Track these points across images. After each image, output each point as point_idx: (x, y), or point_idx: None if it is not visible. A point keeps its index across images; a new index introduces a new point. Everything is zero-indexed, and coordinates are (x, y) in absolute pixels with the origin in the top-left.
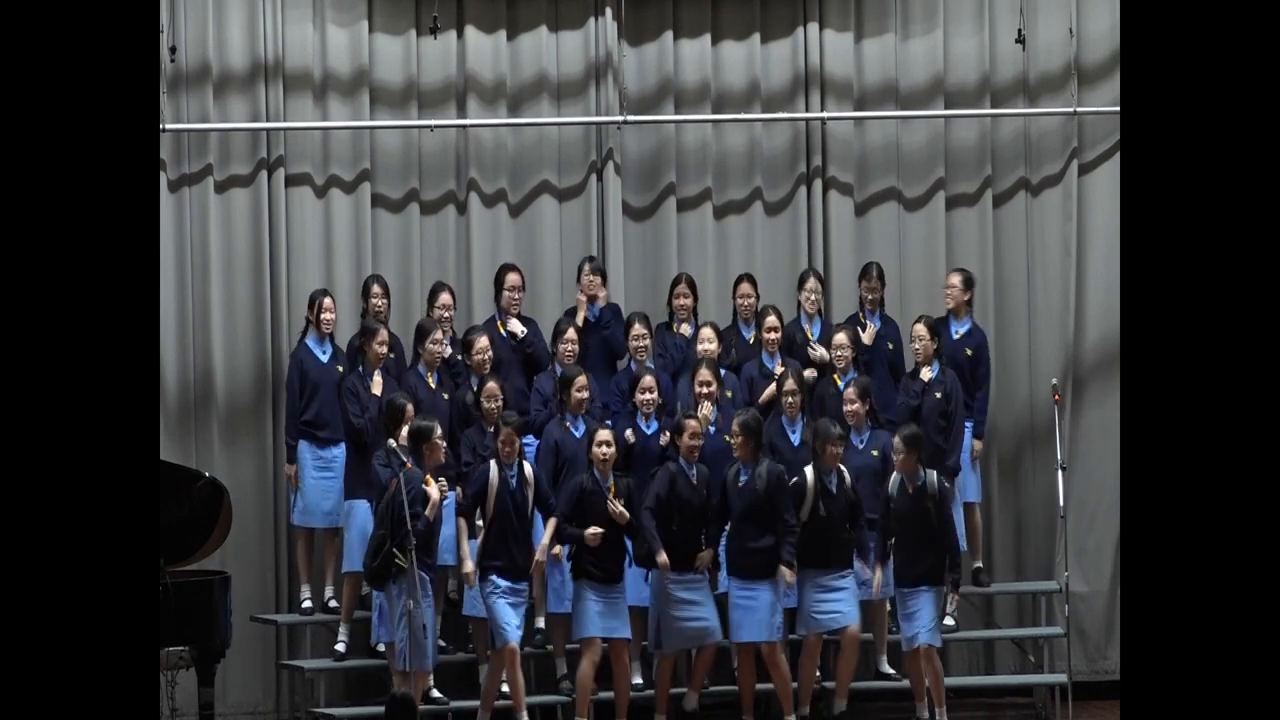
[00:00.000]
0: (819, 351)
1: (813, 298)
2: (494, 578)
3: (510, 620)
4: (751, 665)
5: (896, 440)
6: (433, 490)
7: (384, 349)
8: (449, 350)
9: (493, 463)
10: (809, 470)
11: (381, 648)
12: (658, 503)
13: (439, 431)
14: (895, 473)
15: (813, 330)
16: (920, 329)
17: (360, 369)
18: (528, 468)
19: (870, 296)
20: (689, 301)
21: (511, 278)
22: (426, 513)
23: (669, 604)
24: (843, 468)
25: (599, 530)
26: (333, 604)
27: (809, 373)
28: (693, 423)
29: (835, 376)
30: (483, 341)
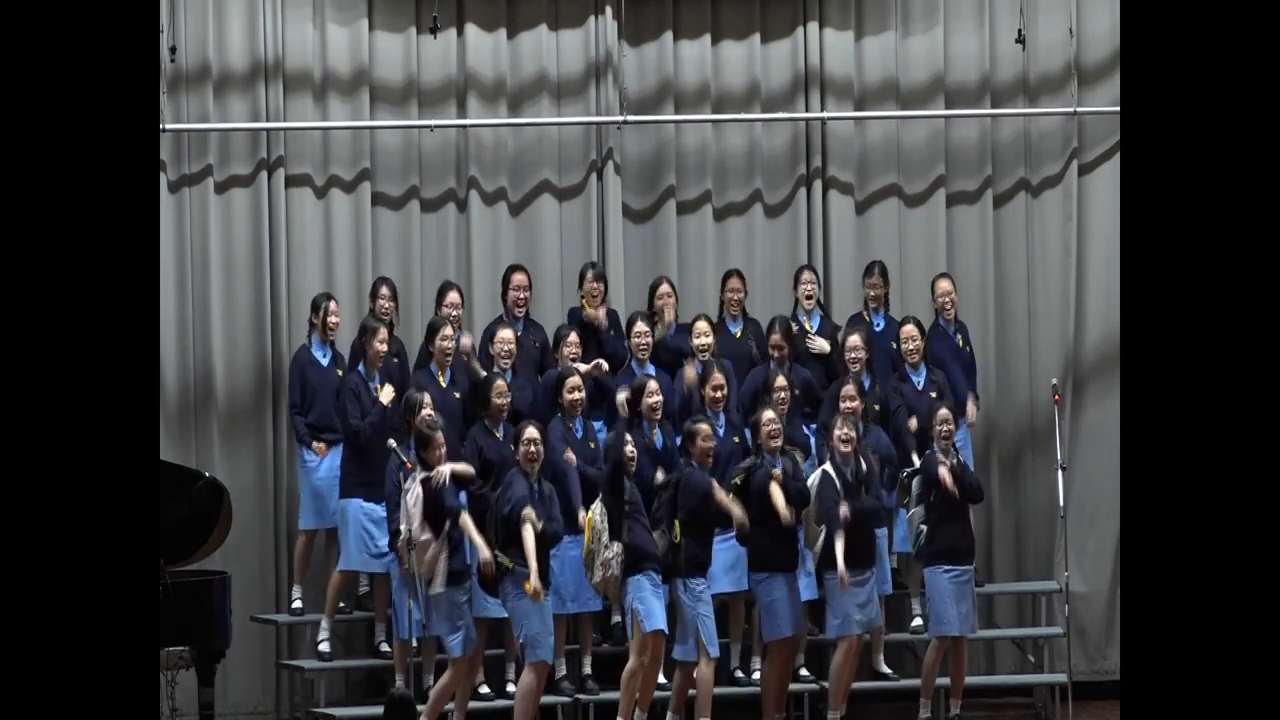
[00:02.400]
0: (818, 342)
1: (808, 289)
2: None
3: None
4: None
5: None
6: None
7: (383, 347)
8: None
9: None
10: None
11: (386, 648)
12: (691, 516)
13: (440, 438)
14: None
15: (811, 323)
16: (913, 329)
17: (361, 369)
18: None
19: (874, 294)
20: (671, 300)
21: (517, 278)
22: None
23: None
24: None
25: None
26: (340, 605)
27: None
28: (704, 427)
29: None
30: (505, 333)
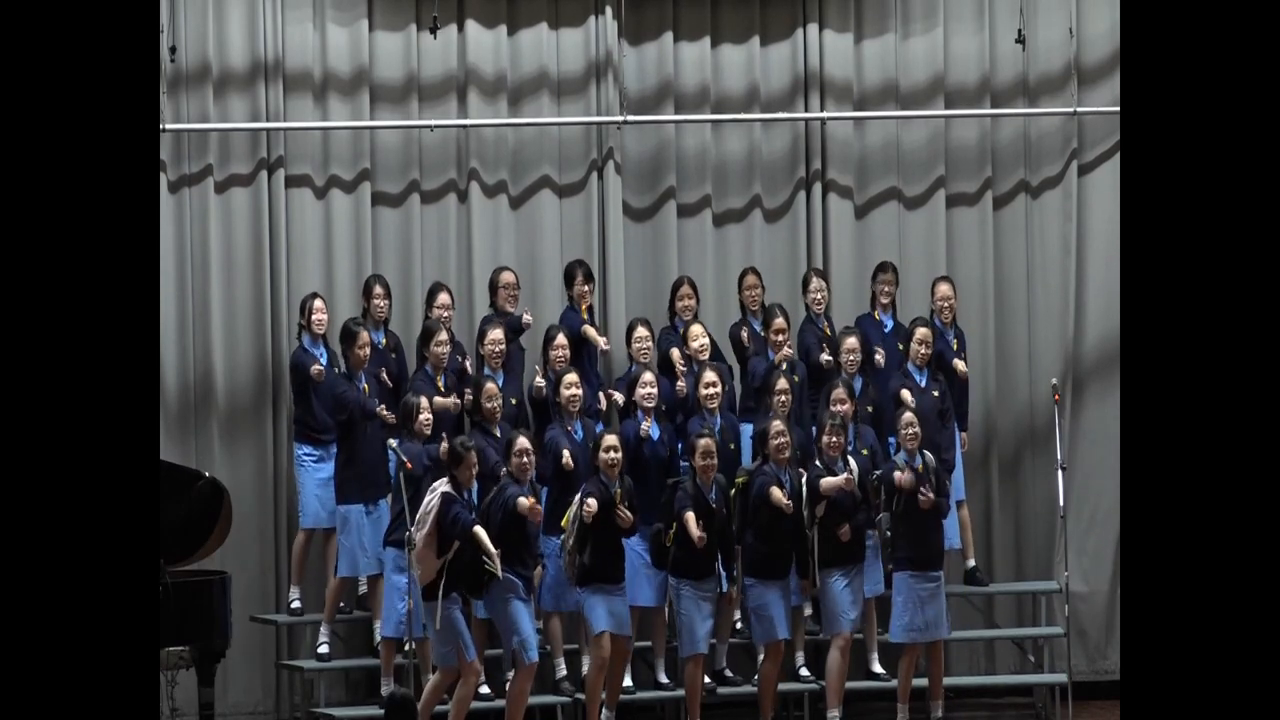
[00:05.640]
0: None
1: (818, 297)
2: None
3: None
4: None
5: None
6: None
7: (365, 352)
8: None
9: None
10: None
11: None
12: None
13: (472, 457)
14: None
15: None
16: (926, 333)
17: (345, 372)
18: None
19: (885, 291)
20: (692, 303)
21: (505, 276)
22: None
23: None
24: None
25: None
26: (340, 605)
27: (825, 357)
28: (704, 441)
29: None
30: (495, 334)
